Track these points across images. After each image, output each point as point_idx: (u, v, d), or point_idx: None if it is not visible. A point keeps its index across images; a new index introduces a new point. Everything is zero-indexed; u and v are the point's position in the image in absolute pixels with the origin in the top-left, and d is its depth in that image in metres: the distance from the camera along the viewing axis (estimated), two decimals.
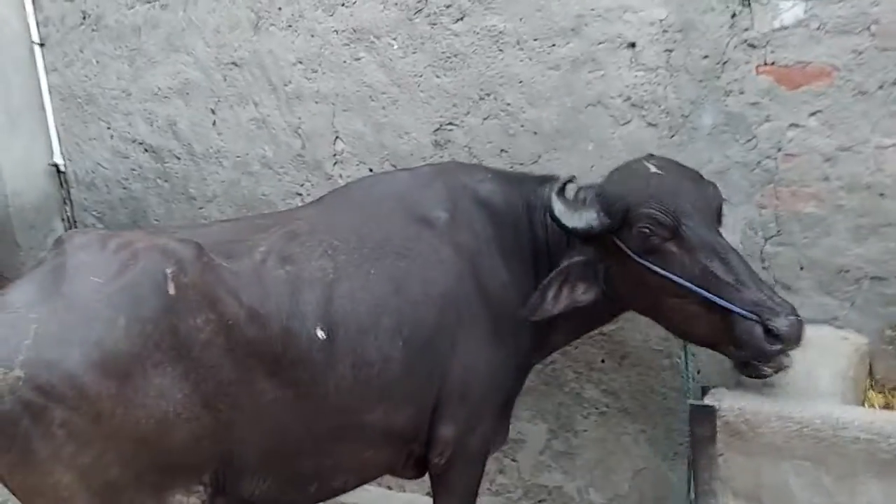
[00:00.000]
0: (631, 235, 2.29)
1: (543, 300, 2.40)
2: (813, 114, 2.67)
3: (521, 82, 3.24)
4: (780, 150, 2.75)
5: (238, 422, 2.17)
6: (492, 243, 2.56)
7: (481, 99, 3.36)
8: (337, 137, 3.83)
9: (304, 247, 2.38)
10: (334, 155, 3.85)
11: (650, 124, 2.98)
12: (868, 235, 2.65)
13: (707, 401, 2.26)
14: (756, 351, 2.13)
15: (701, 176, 2.41)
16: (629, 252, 2.30)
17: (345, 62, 3.69)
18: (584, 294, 2.40)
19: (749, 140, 2.80)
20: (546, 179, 2.68)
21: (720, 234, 2.28)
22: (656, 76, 2.93)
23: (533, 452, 3.55)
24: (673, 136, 2.95)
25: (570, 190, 2.56)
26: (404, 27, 3.48)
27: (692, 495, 2.39)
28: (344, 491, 2.59)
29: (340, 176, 3.85)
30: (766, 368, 2.16)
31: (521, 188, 2.68)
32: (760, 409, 2.17)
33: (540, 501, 3.63)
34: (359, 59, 3.65)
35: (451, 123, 3.47)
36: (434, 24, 3.41)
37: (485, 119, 3.36)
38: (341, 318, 2.29)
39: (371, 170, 3.73)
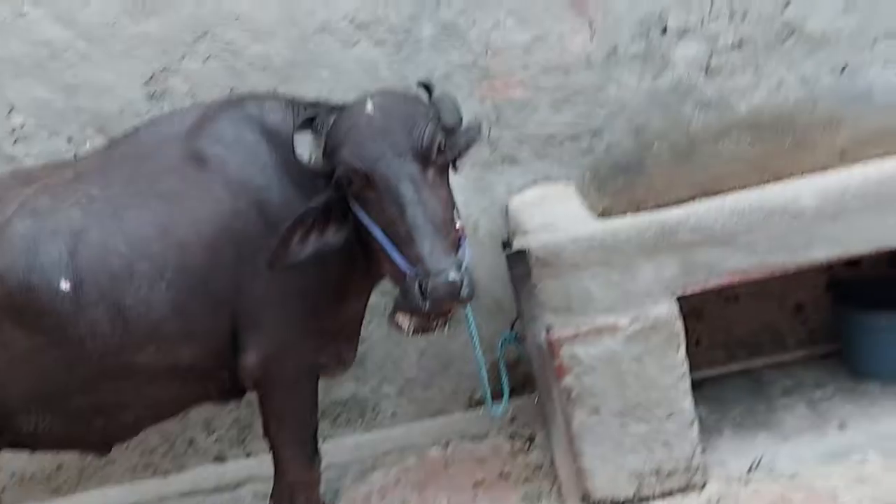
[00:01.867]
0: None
1: (287, 247, 2.38)
2: (509, 14, 3.29)
3: (238, 19, 3.23)
4: (488, 49, 3.33)
5: None
6: (283, 175, 2.54)
7: (196, 41, 3.24)
8: (12, 110, 3.29)
9: (57, 198, 2.45)
10: (13, 131, 3.32)
11: (378, 43, 3.29)
12: (562, 106, 3.41)
13: (517, 247, 2.77)
14: (411, 305, 2.20)
15: (418, 114, 2.36)
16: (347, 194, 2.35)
17: (4, 20, 3.17)
18: (334, 235, 2.42)
19: (463, 44, 3.32)
20: (340, 109, 2.62)
21: (416, 182, 2.27)
22: None
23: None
24: (400, 52, 3.31)
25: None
26: None
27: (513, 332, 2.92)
28: (143, 425, 2.79)
29: (27, 154, 3.34)
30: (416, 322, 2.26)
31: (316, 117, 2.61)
32: (558, 239, 2.75)
33: (337, 417, 3.85)
34: (24, 14, 3.18)
35: (164, 70, 3.28)
36: None
37: (205, 60, 3.27)
38: (90, 267, 2.37)
39: (70, 139, 3.33)
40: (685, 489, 2.93)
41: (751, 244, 2.73)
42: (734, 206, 2.74)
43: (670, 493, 2.93)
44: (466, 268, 2.24)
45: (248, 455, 3.95)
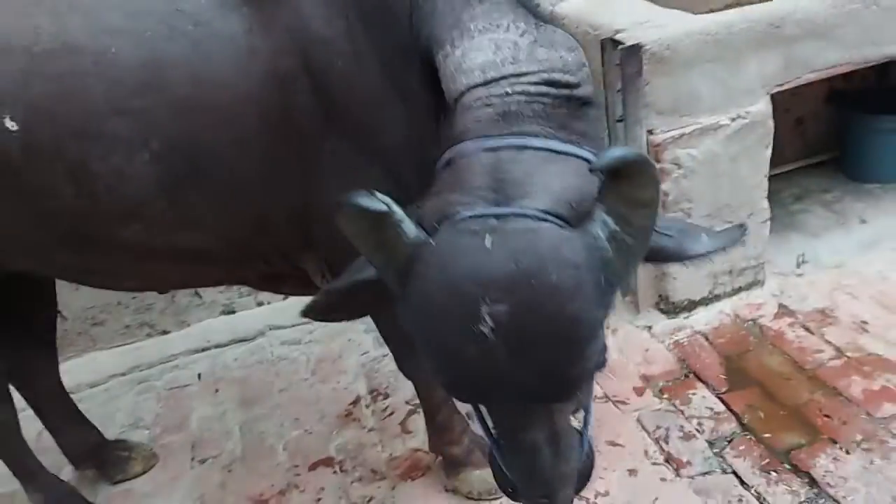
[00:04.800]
0: None
1: (329, 304, 1.52)
2: None
3: None
4: None
5: None
6: (357, 23, 1.67)
7: None
8: None
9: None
10: None
11: None
12: None
13: (631, 42, 2.59)
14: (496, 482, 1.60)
15: (581, 320, 1.18)
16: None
17: None
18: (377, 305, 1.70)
19: None
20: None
21: (553, 434, 1.37)
22: None
23: None
24: None
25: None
26: None
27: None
28: (157, 287, 2.40)
29: None
30: None
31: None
32: (673, 34, 2.61)
33: None
34: None
35: None
36: None
37: None
38: (47, 109, 1.70)
39: None
40: (751, 286, 3.07)
41: (843, 37, 2.75)
42: None
43: (739, 290, 3.06)
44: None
45: (259, 304, 3.64)
